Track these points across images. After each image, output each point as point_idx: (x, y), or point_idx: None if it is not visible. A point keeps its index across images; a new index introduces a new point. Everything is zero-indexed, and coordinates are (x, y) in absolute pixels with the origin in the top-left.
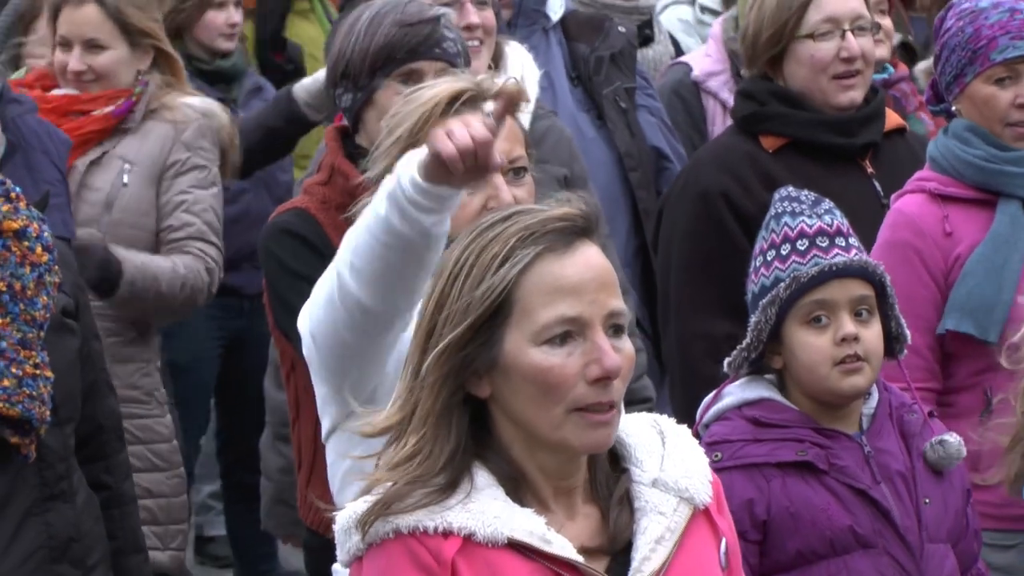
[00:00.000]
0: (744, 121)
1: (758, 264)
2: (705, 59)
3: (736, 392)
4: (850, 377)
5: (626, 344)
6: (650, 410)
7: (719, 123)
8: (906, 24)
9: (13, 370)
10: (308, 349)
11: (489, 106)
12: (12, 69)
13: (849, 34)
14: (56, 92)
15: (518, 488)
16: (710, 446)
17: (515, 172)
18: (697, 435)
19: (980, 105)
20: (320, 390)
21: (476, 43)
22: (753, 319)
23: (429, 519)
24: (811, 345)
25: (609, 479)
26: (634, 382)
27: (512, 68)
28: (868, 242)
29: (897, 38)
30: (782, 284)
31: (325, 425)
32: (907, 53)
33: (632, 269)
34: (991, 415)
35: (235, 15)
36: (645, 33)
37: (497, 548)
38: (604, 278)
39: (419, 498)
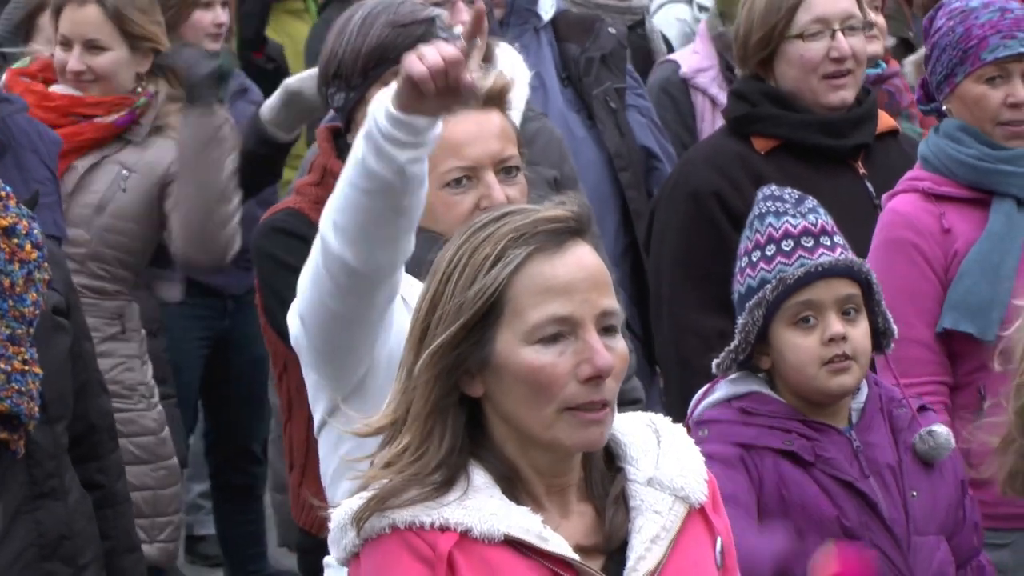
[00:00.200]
0: (736, 122)
1: (743, 265)
2: (693, 56)
3: (726, 387)
4: (838, 376)
5: (619, 343)
6: (640, 411)
7: (708, 119)
8: (908, 21)
9: (2, 366)
10: (297, 335)
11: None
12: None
13: (839, 34)
14: (58, 89)
15: (513, 487)
16: (698, 424)
17: (507, 171)
18: (688, 428)
19: (971, 105)
20: (311, 379)
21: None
22: (740, 321)
23: (425, 514)
24: (799, 346)
25: (604, 478)
26: (624, 383)
27: (503, 68)
28: (861, 243)
29: (891, 41)
30: (768, 286)
31: (317, 417)
32: (909, 50)
33: (621, 269)
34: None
35: (222, 15)
36: (637, 33)
37: (494, 545)
38: (596, 277)
39: (415, 494)
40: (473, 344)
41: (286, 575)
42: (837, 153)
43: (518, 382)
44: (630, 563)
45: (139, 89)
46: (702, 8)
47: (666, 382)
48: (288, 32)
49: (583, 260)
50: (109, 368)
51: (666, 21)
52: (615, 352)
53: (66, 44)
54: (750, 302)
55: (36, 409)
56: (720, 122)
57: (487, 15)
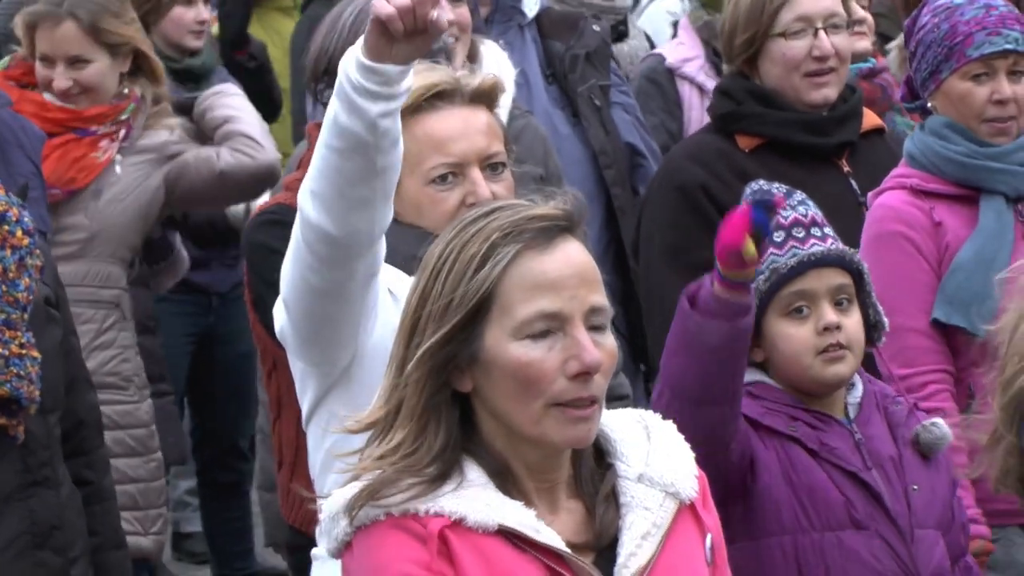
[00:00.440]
0: (720, 120)
1: None
2: (679, 47)
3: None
4: (833, 365)
5: (608, 340)
6: (626, 407)
7: (696, 106)
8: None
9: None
10: (283, 324)
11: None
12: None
13: (822, 32)
14: (50, 99)
15: (504, 483)
16: None
17: (493, 168)
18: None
19: (956, 102)
20: (297, 369)
21: (451, 40)
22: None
23: (420, 503)
24: (793, 336)
25: (594, 475)
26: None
27: (488, 66)
28: (846, 241)
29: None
30: (761, 277)
31: (305, 408)
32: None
33: (604, 266)
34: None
35: (204, 12)
36: (619, 30)
37: (487, 535)
38: (585, 274)
39: (409, 485)
40: (463, 340)
41: (272, 573)
42: (821, 151)
43: (506, 377)
44: (621, 559)
45: (125, 91)
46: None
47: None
48: (277, 29)
49: (572, 256)
50: (108, 359)
51: (657, 15)
52: (604, 348)
53: (47, 60)
54: None
55: (36, 393)
56: (705, 111)
57: (472, 13)
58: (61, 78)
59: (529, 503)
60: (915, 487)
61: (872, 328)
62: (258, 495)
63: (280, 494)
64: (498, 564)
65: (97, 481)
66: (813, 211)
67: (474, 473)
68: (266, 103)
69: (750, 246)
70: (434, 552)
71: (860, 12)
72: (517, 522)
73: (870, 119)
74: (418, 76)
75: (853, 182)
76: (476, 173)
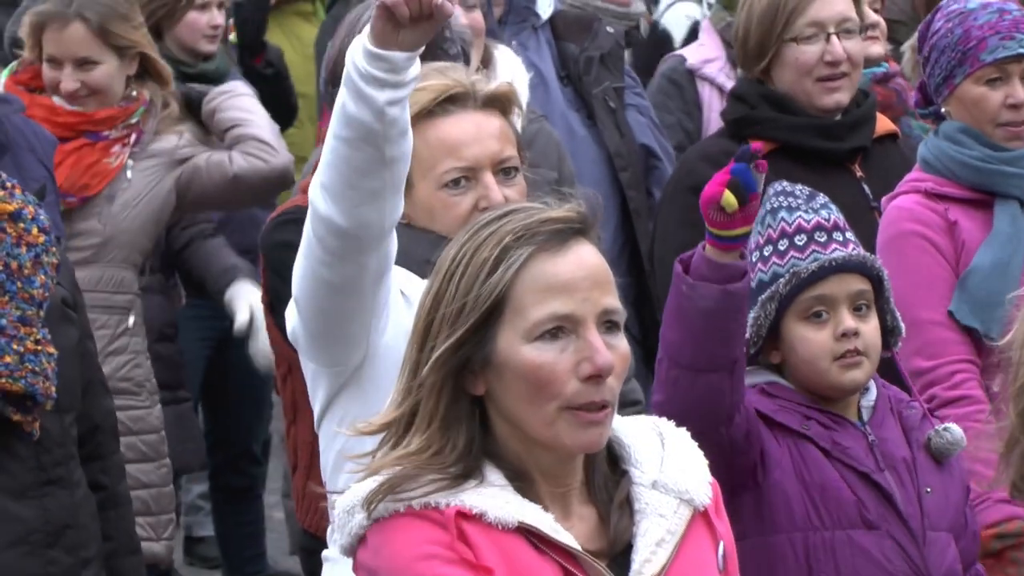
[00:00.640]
0: (734, 124)
1: (754, 259)
2: (700, 48)
3: (744, 378)
4: (850, 371)
5: (621, 342)
6: (639, 413)
7: (716, 108)
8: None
9: (14, 347)
10: (294, 325)
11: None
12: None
13: (834, 37)
14: (59, 102)
15: (520, 486)
16: None
17: (506, 172)
18: None
19: (970, 106)
20: (309, 370)
21: (466, 31)
22: (752, 315)
23: (441, 497)
24: (811, 340)
25: (608, 481)
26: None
27: (501, 71)
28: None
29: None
30: (781, 280)
31: (316, 409)
32: None
33: (618, 268)
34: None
35: (218, 17)
36: (633, 35)
37: (506, 532)
38: (598, 276)
39: (430, 480)
40: (476, 344)
41: None
42: (834, 156)
43: (519, 380)
44: (635, 566)
45: (133, 94)
46: (711, 6)
47: None
48: (297, 34)
49: (585, 259)
50: (121, 365)
51: (675, 19)
52: (616, 351)
53: (55, 62)
54: (762, 296)
55: (52, 389)
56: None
57: (485, 17)
58: (69, 80)
59: (544, 508)
60: (928, 490)
61: (889, 333)
62: (283, 503)
63: (295, 498)
64: (516, 561)
65: (112, 486)
66: (836, 215)
67: (494, 475)
68: (283, 109)
69: (729, 197)
70: (454, 536)
71: (873, 16)
72: (536, 520)
73: (883, 124)
74: (431, 80)
75: (866, 187)
76: (489, 177)
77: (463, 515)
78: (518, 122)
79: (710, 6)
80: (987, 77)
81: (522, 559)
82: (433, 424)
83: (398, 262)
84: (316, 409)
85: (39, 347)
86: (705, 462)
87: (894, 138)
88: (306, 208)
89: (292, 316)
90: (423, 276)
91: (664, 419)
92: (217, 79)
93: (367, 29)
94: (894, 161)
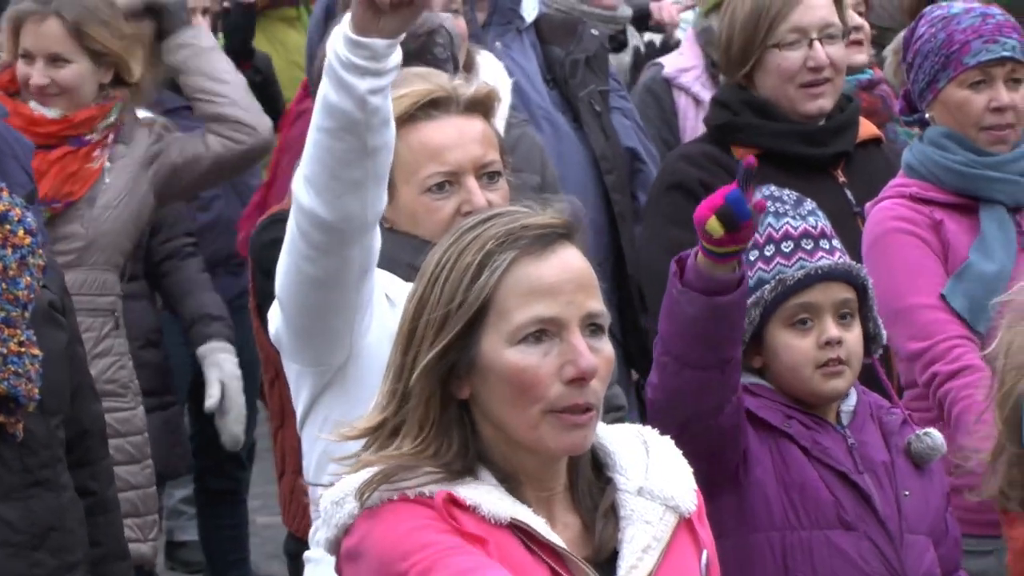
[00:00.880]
0: (717, 130)
1: (746, 262)
2: (678, 57)
3: (738, 373)
4: (832, 380)
5: (605, 346)
6: (622, 419)
7: (691, 117)
8: None
9: None
10: (278, 326)
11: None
12: None
13: (816, 43)
14: (36, 108)
15: (508, 489)
16: None
17: (489, 177)
18: None
19: (954, 110)
20: (292, 371)
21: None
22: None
23: (436, 487)
24: (794, 347)
25: (592, 488)
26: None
27: (484, 76)
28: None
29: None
30: (767, 286)
31: (299, 411)
32: None
33: (603, 272)
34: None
35: (202, 24)
36: (619, 39)
37: (498, 527)
38: (582, 280)
39: (426, 472)
40: (462, 348)
41: None
42: (817, 162)
43: (503, 383)
44: (621, 572)
45: (107, 94)
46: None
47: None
48: (281, 40)
49: (569, 262)
50: (107, 367)
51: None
52: (600, 354)
53: (28, 57)
54: (747, 301)
55: (35, 391)
56: (701, 123)
57: (468, 21)
58: (39, 75)
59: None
60: (907, 493)
61: (871, 341)
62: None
63: (281, 502)
64: (509, 557)
65: (101, 492)
66: (823, 222)
67: (486, 476)
68: (271, 115)
69: (714, 223)
70: (445, 516)
71: (857, 20)
72: (529, 519)
73: (867, 129)
74: (413, 85)
75: (849, 192)
76: (472, 182)
77: (456, 504)
78: (499, 124)
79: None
80: (971, 81)
81: (514, 555)
82: (425, 429)
83: (382, 266)
84: (299, 411)
85: (23, 349)
86: (690, 470)
87: (878, 143)
88: None
89: (275, 316)
90: (407, 280)
91: (648, 428)
92: None
93: (347, 17)
94: (878, 166)
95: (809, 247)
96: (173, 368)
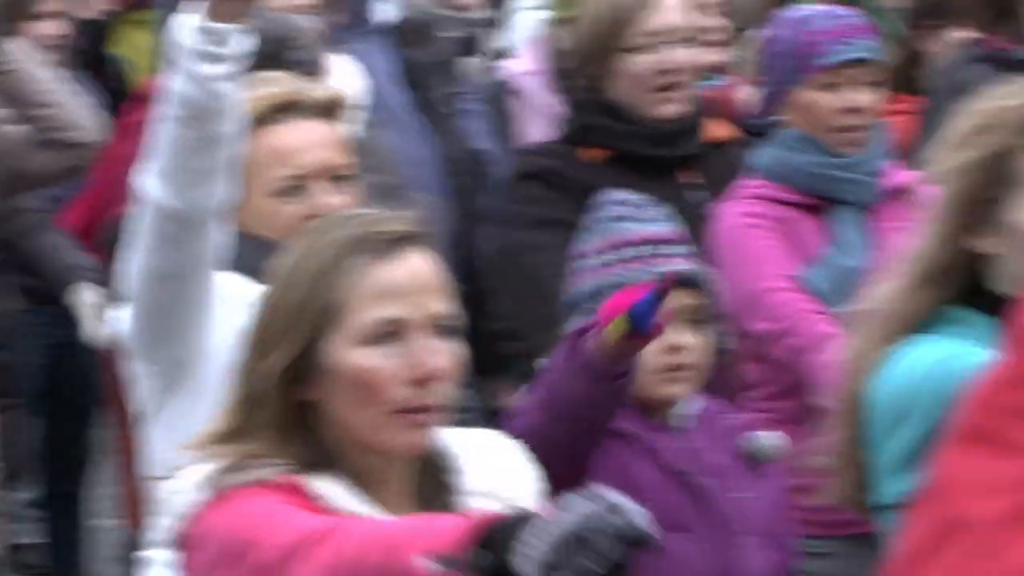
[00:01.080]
0: (566, 132)
1: (595, 264)
2: (520, 61)
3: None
4: (674, 385)
5: (452, 347)
6: (469, 421)
7: (533, 123)
8: None
9: None
10: (124, 321)
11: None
12: None
13: (670, 47)
14: None
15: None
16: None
17: (338, 180)
18: None
19: (806, 112)
20: (138, 371)
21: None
22: (581, 321)
23: (288, 476)
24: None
25: (439, 491)
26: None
27: (337, 79)
28: None
29: None
30: (611, 291)
31: (145, 410)
32: None
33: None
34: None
35: (53, 28)
36: (472, 42)
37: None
38: (430, 282)
39: (277, 463)
40: (311, 351)
41: None
42: (667, 163)
43: (348, 385)
44: None
45: None
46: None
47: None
48: (133, 43)
49: (418, 265)
50: None
51: (524, 26)
52: (447, 356)
53: None
54: (596, 304)
55: None
56: (543, 127)
57: (324, 23)
58: None
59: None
60: (744, 495)
61: (718, 346)
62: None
63: (124, 505)
64: None
65: None
66: (672, 227)
67: (334, 476)
68: None
69: (611, 330)
70: (293, 499)
71: (711, 22)
72: (372, 514)
73: (716, 130)
74: (263, 88)
75: (698, 194)
76: (321, 185)
77: (303, 494)
78: (351, 126)
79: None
80: (824, 82)
81: None
82: (273, 431)
83: (229, 268)
84: (144, 411)
85: None
86: (536, 474)
87: (727, 144)
88: None
89: (123, 316)
90: (256, 283)
91: (493, 431)
92: None
93: (193, 6)
94: (727, 167)
95: (656, 252)
96: (26, 369)
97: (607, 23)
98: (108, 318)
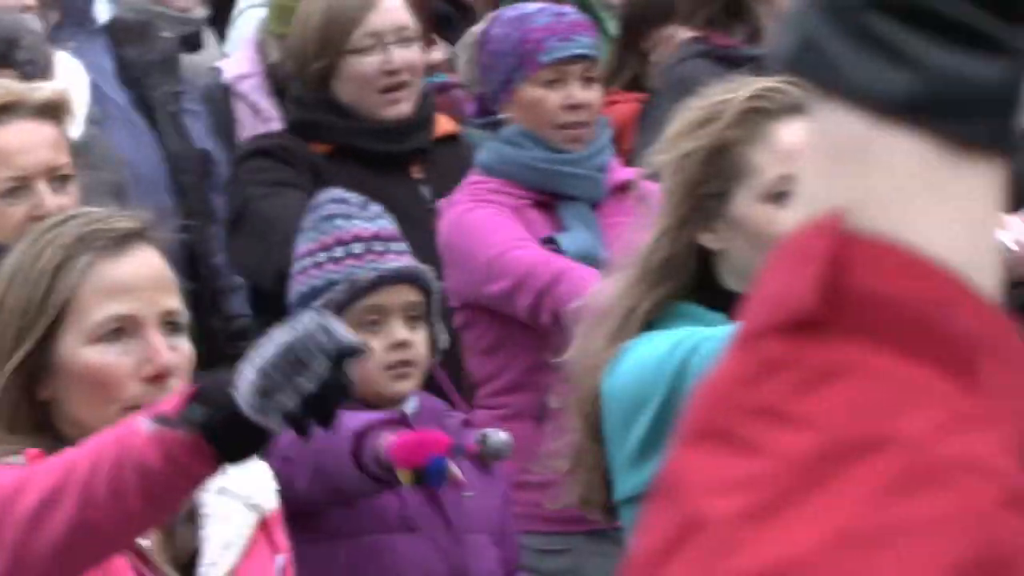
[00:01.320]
0: (293, 127)
1: (307, 265)
2: (237, 62)
3: None
4: (400, 382)
5: (183, 343)
6: None
7: (249, 127)
8: None
9: None
10: None
11: None
12: None
13: (392, 47)
14: None
15: None
16: None
17: (60, 180)
18: None
19: (530, 109)
20: None
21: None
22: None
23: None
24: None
25: None
26: None
27: (61, 77)
28: (417, 248)
29: None
30: (338, 287)
31: None
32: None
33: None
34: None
35: None
36: (194, 40)
37: None
38: (159, 278)
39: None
40: (42, 351)
41: None
42: (393, 159)
43: (81, 383)
44: (202, 569)
45: None
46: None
47: None
48: None
49: (146, 261)
50: None
51: (250, 23)
52: (179, 352)
53: None
54: (316, 303)
55: None
56: (261, 129)
57: (42, 21)
58: None
59: None
60: (469, 494)
61: (434, 344)
62: None
63: None
64: None
65: None
66: (391, 226)
67: None
68: None
69: (406, 475)
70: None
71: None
72: None
73: (443, 126)
74: None
75: (425, 189)
76: (42, 186)
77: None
78: (76, 125)
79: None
80: (546, 79)
81: None
82: (6, 431)
83: None
84: None
85: None
86: (270, 472)
87: (455, 140)
88: None
89: None
90: None
91: None
92: None
93: None
94: (454, 164)
95: (380, 249)
96: None
97: (330, 26)
98: None
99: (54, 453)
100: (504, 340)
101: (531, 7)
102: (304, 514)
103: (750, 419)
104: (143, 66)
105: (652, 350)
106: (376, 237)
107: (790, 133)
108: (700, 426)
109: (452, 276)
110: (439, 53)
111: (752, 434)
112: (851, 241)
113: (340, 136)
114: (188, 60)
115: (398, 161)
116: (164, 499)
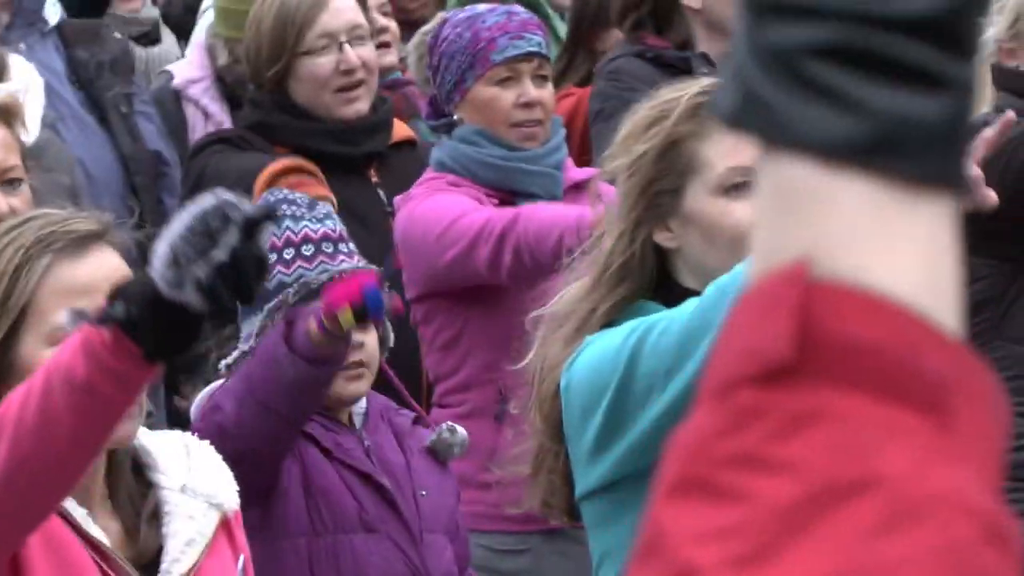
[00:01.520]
0: (250, 130)
1: None
2: (187, 66)
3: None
4: (353, 383)
5: None
6: (152, 425)
7: (200, 130)
8: None
9: None
10: None
11: None
12: None
13: (347, 46)
14: None
15: None
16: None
17: (10, 183)
18: None
19: (483, 108)
20: None
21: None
22: (257, 322)
23: None
24: None
25: (134, 493)
26: None
27: (17, 78)
28: (373, 250)
29: None
30: (289, 290)
31: None
32: None
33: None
34: (505, 417)
35: None
36: (151, 36)
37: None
38: (117, 279)
39: None
40: (1, 352)
41: None
42: (351, 161)
43: None
44: (164, 565)
45: None
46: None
47: None
48: None
49: (105, 262)
50: None
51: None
52: None
53: None
54: (268, 305)
55: None
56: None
57: None
58: None
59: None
60: (424, 492)
61: (381, 344)
62: None
63: None
64: (60, 548)
65: None
66: (340, 227)
67: None
68: None
69: (348, 315)
70: None
71: (382, 21)
72: (72, 508)
73: (401, 130)
74: None
75: (382, 192)
76: None
77: None
78: (31, 127)
79: None
80: (498, 78)
81: (63, 540)
82: None
83: None
84: None
85: None
86: (230, 472)
87: (412, 144)
88: None
89: None
90: None
91: (188, 433)
92: None
93: None
94: (411, 167)
95: (330, 250)
96: None
97: (282, 28)
98: None
99: None
100: (463, 334)
101: (481, 7)
102: (264, 513)
103: (729, 468)
104: (94, 67)
105: (609, 342)
106: (326, 238)
107: None
108: (677, 479)
109: (409, 265)
110: (392, 57)
111: (733, 482)
112: (817, 288)
113: (297, 137)
114: (144, 53)
115: (355, 163)
116: (96, 413)
